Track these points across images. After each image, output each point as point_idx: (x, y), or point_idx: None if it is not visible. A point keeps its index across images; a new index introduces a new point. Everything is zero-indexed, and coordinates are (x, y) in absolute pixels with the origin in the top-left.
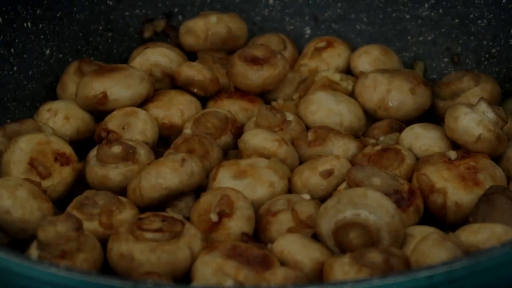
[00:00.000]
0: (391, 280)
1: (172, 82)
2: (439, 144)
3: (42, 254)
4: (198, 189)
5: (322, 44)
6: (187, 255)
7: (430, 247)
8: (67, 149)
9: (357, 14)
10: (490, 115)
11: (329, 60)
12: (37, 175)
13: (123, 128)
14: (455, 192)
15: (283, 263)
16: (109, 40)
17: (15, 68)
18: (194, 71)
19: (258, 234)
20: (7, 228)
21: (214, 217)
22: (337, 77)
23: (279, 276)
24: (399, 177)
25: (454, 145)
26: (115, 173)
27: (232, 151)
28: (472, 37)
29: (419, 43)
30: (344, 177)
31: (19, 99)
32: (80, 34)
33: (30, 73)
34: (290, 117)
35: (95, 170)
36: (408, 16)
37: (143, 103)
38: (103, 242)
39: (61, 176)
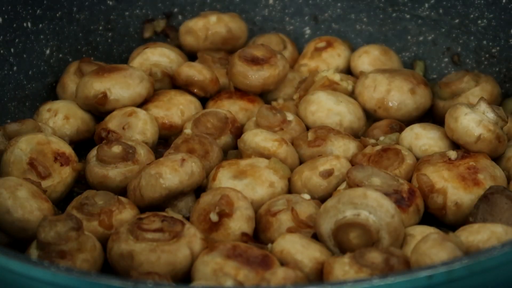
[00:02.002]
0: (391, 280)
1: (172, 82)
2: (439, 144)
3: (42, 254)
4: (198, 189)
5: (322, 44)
6: (187, 255)
7: (430, 247)
8: (67, 149)
9: (357, 14)
10: (490, 115)
11: (329, 60)
12: (37, 175)
13: (123, 128)
14: (455, 192)
15: (283, 263)
16: (109, 40)
17: (15, 68)
18: (194, 71)
19: (258, 234)
20: (7, 228)
21: (214, 217)
22: (337, 77)
23: (279, 276)
24: (399, 177)
25: (454, 145)
26: (115, 173)
27: (232, 151)
28: (472, 37)
29: (419, 43)
30: (344, 177)
31: (19, 99)
32: (80, 34)
33: (30, 73)
34: (290, 117)
35: (95, 170)
36: (408, 16)
37: (143, 103)
38: (103, 242)
39: (61, 176)
